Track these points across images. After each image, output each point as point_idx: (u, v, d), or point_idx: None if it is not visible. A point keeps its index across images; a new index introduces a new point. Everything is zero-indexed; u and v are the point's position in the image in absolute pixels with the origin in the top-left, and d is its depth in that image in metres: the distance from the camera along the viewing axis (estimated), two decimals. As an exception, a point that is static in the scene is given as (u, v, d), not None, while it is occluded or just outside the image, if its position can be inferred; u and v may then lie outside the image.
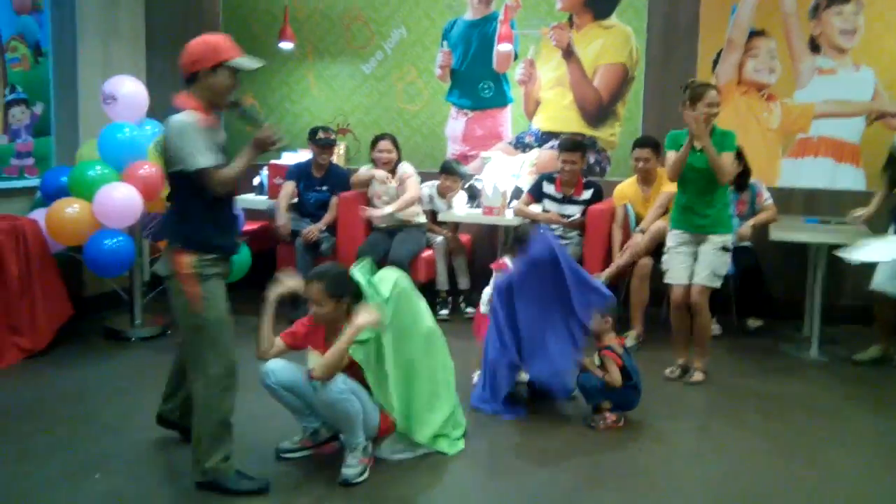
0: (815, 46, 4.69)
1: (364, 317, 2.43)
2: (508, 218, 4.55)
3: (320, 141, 4.66)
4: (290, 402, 2.59)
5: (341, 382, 2.40)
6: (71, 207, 3.50)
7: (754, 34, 4.78)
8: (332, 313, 2.46)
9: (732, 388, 3.49)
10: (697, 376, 3.48)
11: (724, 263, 3.43)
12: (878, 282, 3.72)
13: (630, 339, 3.96)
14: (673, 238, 3.49)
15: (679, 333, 3.54)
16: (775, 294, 4.61)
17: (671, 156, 3.42)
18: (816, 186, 4.72)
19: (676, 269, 3.45)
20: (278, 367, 2.55)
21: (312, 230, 4.54)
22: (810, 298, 4.12)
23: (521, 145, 5.19)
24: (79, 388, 3.26)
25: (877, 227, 3.93)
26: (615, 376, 2.96)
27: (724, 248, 3.40)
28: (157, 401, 2.76)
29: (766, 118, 4.81)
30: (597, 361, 3.05)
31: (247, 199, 5.04)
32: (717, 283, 3.44)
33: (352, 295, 2.49)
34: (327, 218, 4.64)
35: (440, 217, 4.75)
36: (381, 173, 4.64)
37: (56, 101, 4.41)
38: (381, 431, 2.57)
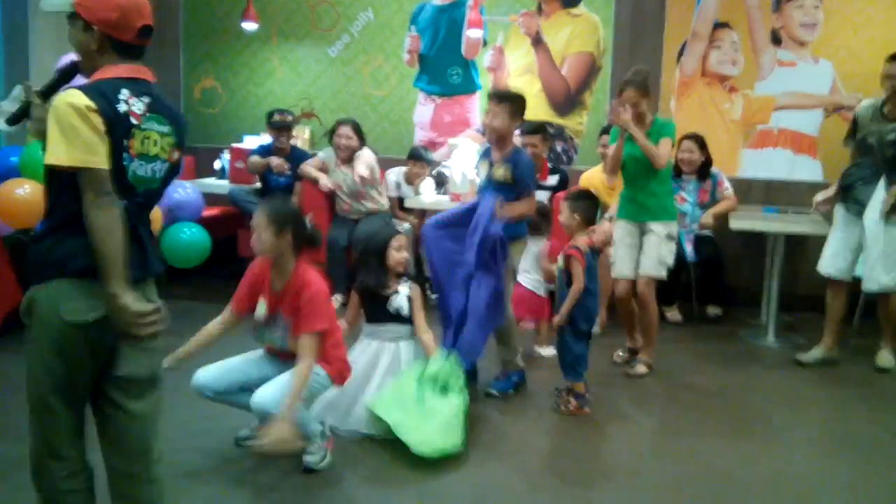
0: (776, 39, 4.78)
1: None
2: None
3: (276, 123, 4.57)
4: (237, 402, 2.51)
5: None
6: (21, 188, 3.36)
7: (718, 26, 4.84)
8: (275, 245, 2.36)
9: (691, 374, 3.55)
10: (640, 368, 3.45)
11: (670, 252, 3.41)
12: (823, 264, 3.65)
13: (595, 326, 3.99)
14: (618, 229, 3.47)
15: (627, 322, 3.56)
16: (735, 282, 4.71)
17: (610, 149, 3.45)
18: (775, 177, 4.83)
19: (621, 261, 3.44)
20: (210, 379, 2.45)
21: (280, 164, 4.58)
22: (768, 287, 4.21)
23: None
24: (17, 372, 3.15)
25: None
26: (579, 280, 2.92)
27: (669, 237, 3.38)
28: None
29: (729, 109, 4.89)
30: (560, 264, 3.01)
31: (207, 184, 4.93)
32: (663, 273, 3.40)
33: (294, 229, 2.40)
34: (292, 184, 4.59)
35: (407, 203, 4.71)
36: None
37: (6, 80, 4.22)
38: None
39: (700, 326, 4.37)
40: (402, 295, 2.84)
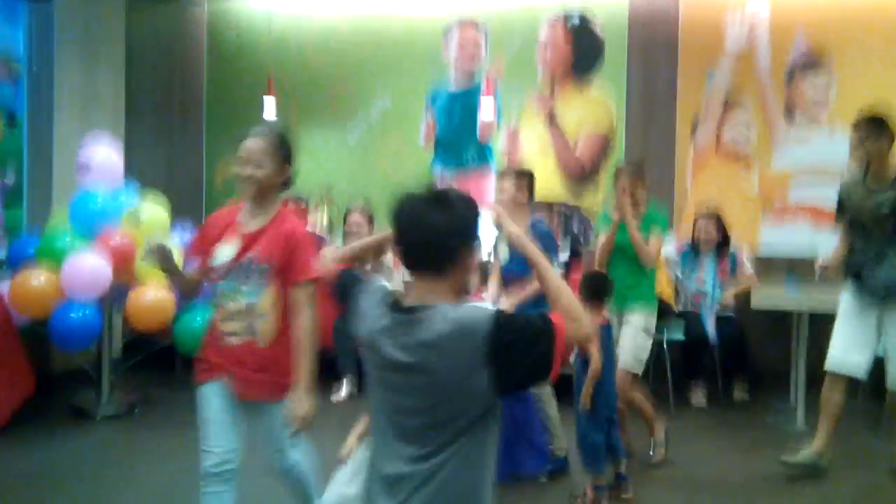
0: (790, 113, 4.77)
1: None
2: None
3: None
4: None
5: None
6: (37, 278, 3.44)
7: (730, 103, 4.87)
8: (272, 177, 2.09)
9: (717, 463, 3.37)
10: (659, 452, 3.31)
11: (645, 348, 3.24)
12: (833, 361, 3.15)
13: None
14: None
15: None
16: (761, 364, 4.51)
17: (601, 238, 3.37)
18: (797, 252, 4.70)
19: None
20: None
21: None
22: (795, 367, 4.02)
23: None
24: (39, 468, 3.14)
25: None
26: (595, 360, 2.80)
27: (646, 330, 3.24)
28: (115, 482, 2.64)
29: (745, 185, 4.84)
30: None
31: None
32: (639, 369, 3.25)
33: (292, 161, 2.18)
34: None
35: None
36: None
37: (29, 171, 4.41)
38: None
39: (725, 412, 4.17)
40: None
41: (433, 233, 1.35)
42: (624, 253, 3.26)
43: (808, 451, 3.18)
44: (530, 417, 3.12)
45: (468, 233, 1.39)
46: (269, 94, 5.33)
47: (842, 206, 3.25)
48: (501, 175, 3.35)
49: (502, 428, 2.49)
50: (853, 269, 3.16)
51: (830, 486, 3.13)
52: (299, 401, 2.00)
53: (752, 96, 4.83)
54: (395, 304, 1.37)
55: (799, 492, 3.09)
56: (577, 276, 4.24)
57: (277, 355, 2.08)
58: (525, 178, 3.28)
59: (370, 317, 1.39)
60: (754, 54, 4.81)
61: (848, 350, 3.12)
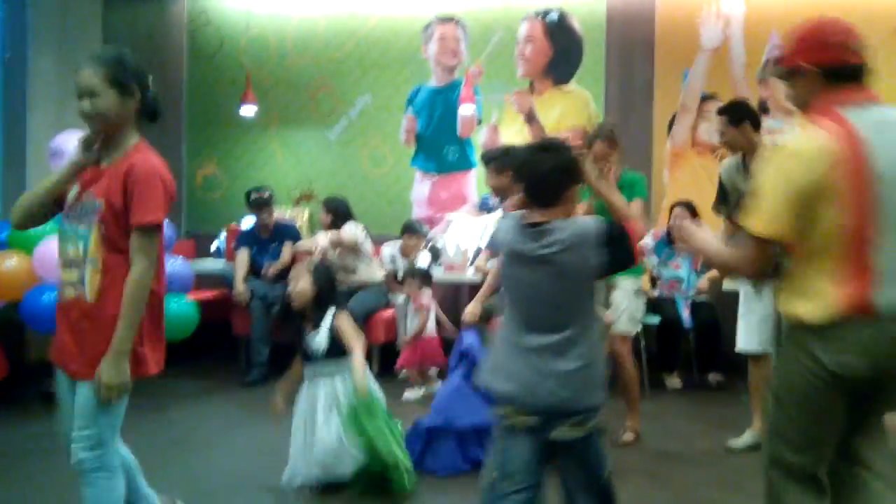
0: (764, 108, 4.86)
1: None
2: (469, 275, 4.50)
3: (253, 202, 4.64)
4: None
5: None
6: (9, 260, 3.40)
7: (706, 98, 4.95)
8: (114, 108, 1.83)
9: (688, 438, 3.40)
10: (627, 436, 3.29)
11: (640, 308, 3.33)
12: (741, 342, 3.25)
13: None
14: None
15: None
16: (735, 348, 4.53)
17: (583, 207, 3.38)
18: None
19: None
20: None
21: (270, 268, 4.56)
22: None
23: (485, 207, 5.21)
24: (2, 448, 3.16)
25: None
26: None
27: (637, 292, 3.31)
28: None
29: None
30: None
31: (204, 264, 4.96)
32: (636, 328, 3.33)
33: (142, 91, 1.90)
34: (279, 264, 4.57)
35: (402, 276, 4.69)
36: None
37: (3, 159, 4.39)
38: None
39: (700, 394, 4.20)
40: (322, 330, 2.77)
41: (544, 173, 1.78)
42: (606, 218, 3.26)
43: (750, 433, 3.24)
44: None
45: (570, 172, 1.82)
46: (247, 93, 5.35)
47: (724, 193, 3.28)
48: (486, 162, 3.58)
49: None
50: None
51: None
52: (106, 366, 1.76)
53: (728, 91, 4.91)
54: (527, 224, 1.81)
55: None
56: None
57: (102, 314, 1.79)
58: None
59: (510, 235, 1.83)
60: (729, 50, 4.91)
61: (759, 329, 3.17)
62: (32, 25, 4.45)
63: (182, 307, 3.87)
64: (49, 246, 3.46)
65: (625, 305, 3.25)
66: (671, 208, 4.48)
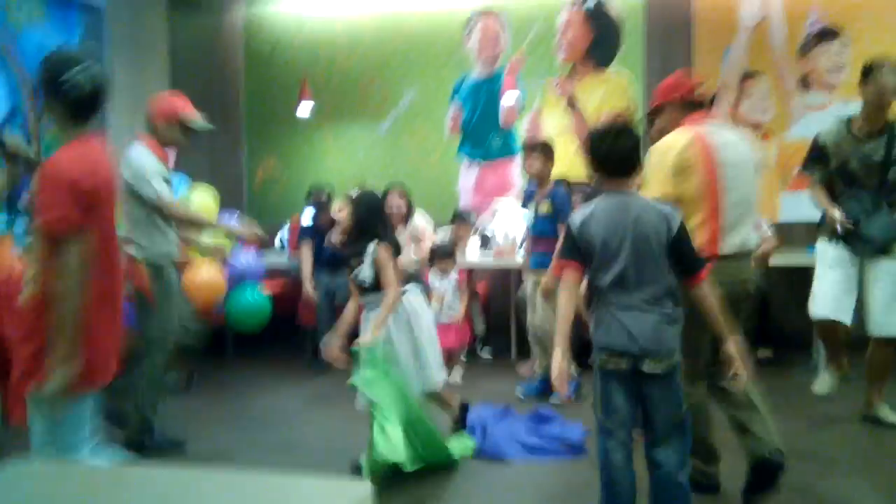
0: (805, 84, 4.89)
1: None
2: (518, 260, 4.71)
3: (314, 204, 4.90)
4: None
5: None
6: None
7: (747, 75, 5.01)
8: (49, 106, 1.92)
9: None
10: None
11: None
12: (818, 307, 3.26)
13: None
14: None
15: None
16: (785, 327, 4.63)
17: None
18: (816, 219, 4.79)
19: None
20: None
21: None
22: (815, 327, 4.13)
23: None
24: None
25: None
26: None
27: None
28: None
29: (763, 156, 4.97)
30: None
31: (268, 258, 5.15)
32: None
33: (57, 85, 1.88)
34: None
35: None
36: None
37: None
38: None
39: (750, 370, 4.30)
40: (365, 262, 2.81)
41: (624, 150, 2.13)
42: None
43: (829, 377, 3.43)
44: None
45: (639, 150, 2.17)
46: (303, 95, 5.66)
47: (821, 157, 3.27)
48: (529, 149, 3.90)
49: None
50: (849, 218, 3.18)
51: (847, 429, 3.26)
52: (49, 375, 1.70)
53: (768, 69, 4.96)
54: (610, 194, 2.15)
55: (823, 440, 3.22)
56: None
57: (33, 324, 1.73)
58: (549, 152, 3.91)
59: (599, 204, 2.14)
60: (769, 27, 4.95)
61: (837, 297, 3.20)
62: (109, 39, 4.84)
63: (257, 300, 4.16)
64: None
65: None
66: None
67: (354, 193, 2.91)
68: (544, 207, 3.85)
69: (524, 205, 4.20)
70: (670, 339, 2.07)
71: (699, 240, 2.33)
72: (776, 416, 3.39)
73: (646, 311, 2.06)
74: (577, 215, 2.15)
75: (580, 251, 2.12)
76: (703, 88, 2.60)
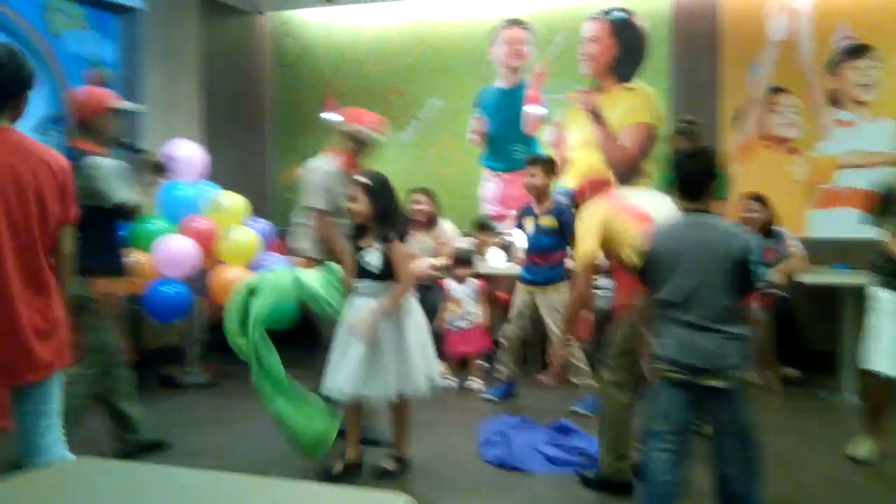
0: (834, 100, 4.84)
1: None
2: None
3: None
4: None
5: None
6: (133, 257, 3.82)
7: (775, 90, 4.97)
8: None
9: (767, 434, 3.44)
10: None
11: None
12: (879, 362, 2.95)
13: None
14: None
15: None
16: (812, 346, 4.57)
17: None
18: (845, 236, 4.75)
19: None
20: None
21: None
22: (841, 346, 4.08)
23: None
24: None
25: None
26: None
27: None
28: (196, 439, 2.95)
29: (791, 171, 4.92)
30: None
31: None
32: None
33: None
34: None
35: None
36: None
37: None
38: None
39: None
40: (375, 250, 2.75)
41: (698, 173, 2.24)
42: None
43: (867, 443, 3.12)
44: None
45: (715, 172, 2.26)
46: (327, 99, 5.70)
47: (888, 200, 3.03)
48: (531, 163, 3.99)
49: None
50: None
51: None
52: None
53: (796, 84, 4.92)
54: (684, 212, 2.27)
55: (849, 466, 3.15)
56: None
57: None
58: (551, 165, 3.99)
59: (667, 224, 2.29)
60: (797, 42, 4.91)
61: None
62: (144, 44, 4.93)
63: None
64: (168, 243, 3.90)
65: None
66: (741, 201, 4.55)
67: (365, 179, 2.78)
68: (546, 221, 3.92)
69: (519, 223, 4.20)
70: (731, 357, 2.11)
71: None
72: (804, 430, 3.48)
73: (706, 328, 2.11)
74: (653, 232, 2.29)
75: (650, 266, 2.24)
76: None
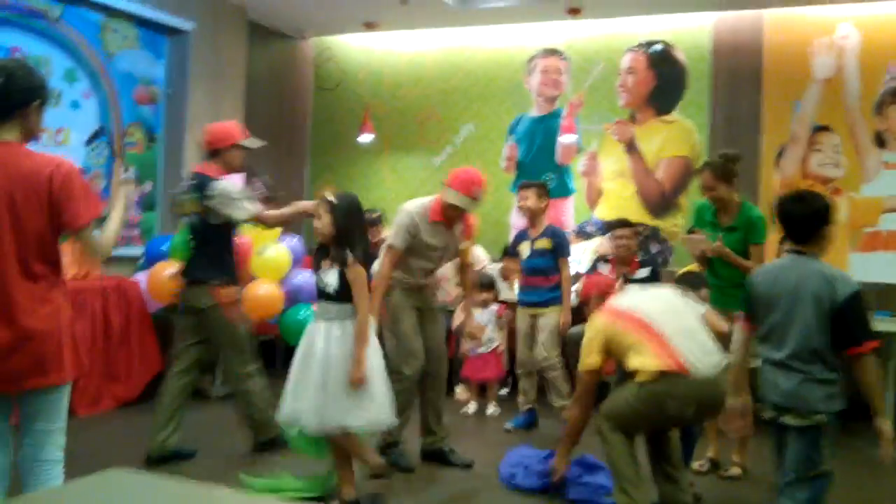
0: (881, 141, 4.70)
1: None
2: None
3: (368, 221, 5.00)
4: None
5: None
6: (170, 269, 3.92)
7: (818, 129, 4.85)
8: None
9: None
10: (734, 471, 3.30)
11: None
12: None
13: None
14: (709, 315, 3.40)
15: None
16: (852, 391, 4.37)
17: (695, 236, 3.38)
18: (888, 281, 4.56)
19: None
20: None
21: None
22: (887, 394, 3.89)
23: (583, 234, 5.34)
24: None
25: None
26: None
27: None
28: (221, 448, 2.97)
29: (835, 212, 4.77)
30: None
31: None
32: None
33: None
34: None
35: (502, 297, 4.90)
36: None
37: (164, 180, 5.04)
38: None
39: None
40: (334, 270, 2.62)
41: (802, 217, 2.26)
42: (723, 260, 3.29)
43: None
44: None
45: (823, 217, 2.26)
46: (365, 125, 5.79)
47: None
48: (524, 187, 4.11)
49: None
50: None
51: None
52: None
53: (841, 123, 4.79)
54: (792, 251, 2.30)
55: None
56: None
57: None
58: (544, 189, 4.11)
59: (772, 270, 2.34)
60: (843, 81, 4.79)
61: None
62: (191, 64, 5.11)
63: (309, 317, 4.24)
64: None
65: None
66: (780, 242, 4.42)
67: (333, 197, 2.67)
68: (542, 244, 4.04)
69: (513, 248, 4.38)
70: (814, 399, 2.15)
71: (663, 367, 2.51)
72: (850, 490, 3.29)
73: (792, 368, 2.17)
74: (758, 270, 2.41)
75: (752, 304, 2.31)
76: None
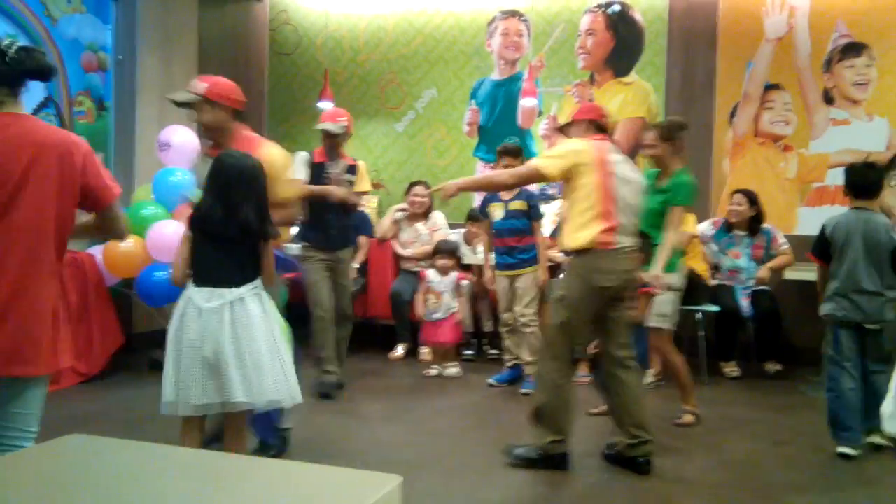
0: (828, 98, 4.88)
1: None
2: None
3: None
4: None
5: None
6: (125, 242, 3.83)
7: (769, 87, 4.99)
8: None
9: (745, 424, 3.56)
10: (687, 418, 3.45)
11: (668, 302, 3.34)
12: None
13: (648, 376, 4.04)
14: None
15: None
16: (797, 342, 4.62)
17: None
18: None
19: None
20: None
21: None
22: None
23: (544, 197, 5.42)
24: (125, 407, 3.63)
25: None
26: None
27: (668, 288, 3.28)
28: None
29: (783, 168, 4.96)
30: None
31: (290, 249, 5.30)
32: (666, 324, 3.36)
33: None
34: (358, 258, 4.90)
35: (465, 261, 4.97)
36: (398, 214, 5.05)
37: (115, 150, 4.89)
38: None
39: (757, 381, 4.32)
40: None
41: (870, 180, 3.11)
42: (648, 217, 3.25)
43: None
44: None
45: (883, 180, 3.16)
46: (325, 85, 5.69)
47: None
48: (501, 154, 4.11)
49: None
50: None
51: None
52: None
53: (791, 81, 4.95)
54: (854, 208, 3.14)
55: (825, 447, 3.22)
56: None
57: None
58: (519, 155, 4.12)
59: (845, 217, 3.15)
60: (794, 41, 4.93)
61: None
62: (140, 29, 4.92)
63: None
64: (161, 229, 3.89)
65: (654, 301, 3.33)
66: (731, 196, 4.58)
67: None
68: (518, 205, 4.12)
69: (482, 210, 4.42)
70: (884, 312, 3.02)
71: (594, 232, 2.75)
72: (779, 418, 3.55)
73: (868, 292, 2.98)
74: (829, 222, 3.11)
75: (827, 249, 3.06)
76: (608, 120, 3.11)
